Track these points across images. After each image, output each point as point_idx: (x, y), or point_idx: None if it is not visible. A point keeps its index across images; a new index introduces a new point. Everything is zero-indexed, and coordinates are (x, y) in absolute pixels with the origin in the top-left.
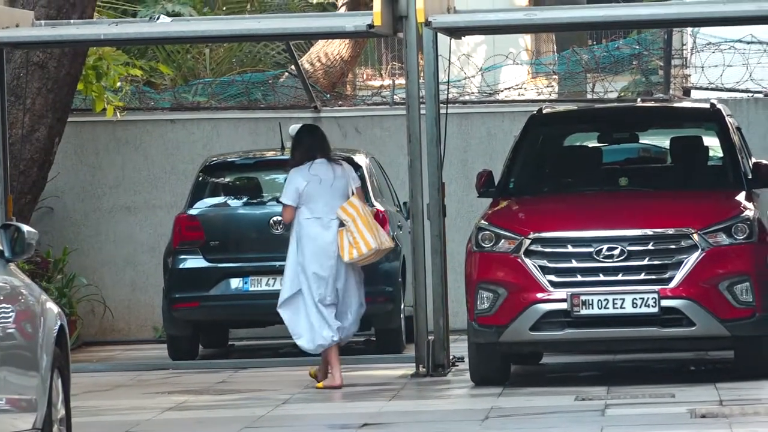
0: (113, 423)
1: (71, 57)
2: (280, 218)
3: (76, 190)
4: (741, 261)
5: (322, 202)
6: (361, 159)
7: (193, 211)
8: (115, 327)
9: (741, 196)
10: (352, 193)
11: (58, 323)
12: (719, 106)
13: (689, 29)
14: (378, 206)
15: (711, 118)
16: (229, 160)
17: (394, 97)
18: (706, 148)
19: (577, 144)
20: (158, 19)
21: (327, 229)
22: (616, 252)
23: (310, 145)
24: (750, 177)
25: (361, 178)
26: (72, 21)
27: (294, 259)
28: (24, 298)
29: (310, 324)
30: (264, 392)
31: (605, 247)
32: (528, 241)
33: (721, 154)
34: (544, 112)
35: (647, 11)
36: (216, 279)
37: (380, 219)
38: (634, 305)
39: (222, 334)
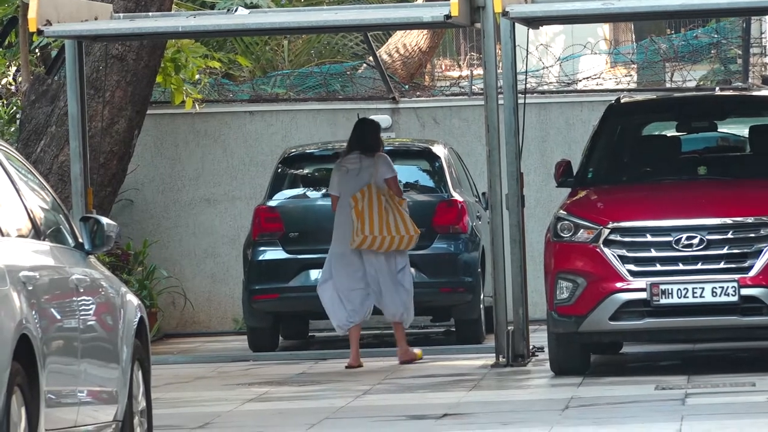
0: (194, 414)
1: (150, 49)
2: None
3: (155, 183)
4: None
5: (349, 191)
6: (439, 149)
7: (272, 203)
8: (195, 319)
9: None
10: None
11: (138, 315)
12: None
13: None
14: (457, 196)
15: None
16: (307, 151)
17: (473, 87)
18: None
19: (656, 133)
20: (236, 10)
21: (349, 217)
22: (695, 241)
23: (352, 138)
24: None
25: (440, 168)
26: (150, 14)
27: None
28: (104, 291)
29: (333, 306)
30: (344, 383)
31: (684, 236)
32: (607, 231)
33: None
34: (622, 101)
35: (726, 0)
36: (295, 270)
37: (458, 209)
38: (714, 294)
39: (302, 326)
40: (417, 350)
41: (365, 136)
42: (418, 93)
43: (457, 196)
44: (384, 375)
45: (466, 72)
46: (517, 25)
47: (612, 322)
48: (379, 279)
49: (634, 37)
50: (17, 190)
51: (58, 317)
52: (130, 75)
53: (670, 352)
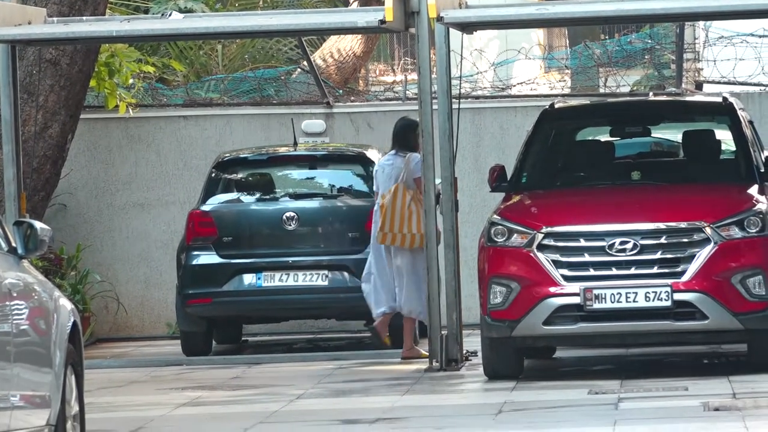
0: (127, 419)
1: (84, 54)
2: (292, 214)
3: (89, 187)
4: (754, 254)
5: (382, 189)
6: (373, 154)
7: (206, 207)
8: (128, 323)
9: (753, 190)
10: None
11: (72, 320)
12: (731, 99)
13: (701, 23)
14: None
15: (723, 112)
16: (241, 156)
17: (407, 92)
18: (719, 142)
19: (590, 138)
20: (170, 15)
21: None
22: (629, 246)
23: (392, 138)
24: (762, 170)
25: (373, 173)
26: (84, 18)
27: None
28: (37, 295)
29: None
30: (278, 387)
31: (618, 241)
32: (541, 236)
33: (733, 148)
34: (556, 106)
35: (660, 5)
36: (229, 275)
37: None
38: (647, 299)
39: (235, 330)
40: (422, 350)
41: (398, 134)
42: (352, 98)
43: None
44: (318, 379)
45: (400, 77)
46: (451, 30)
47: (545, 327)
48: (404, 274)
49: (568, 42)
50: None
51: None
52: (63, 79)
53: (603, 356)
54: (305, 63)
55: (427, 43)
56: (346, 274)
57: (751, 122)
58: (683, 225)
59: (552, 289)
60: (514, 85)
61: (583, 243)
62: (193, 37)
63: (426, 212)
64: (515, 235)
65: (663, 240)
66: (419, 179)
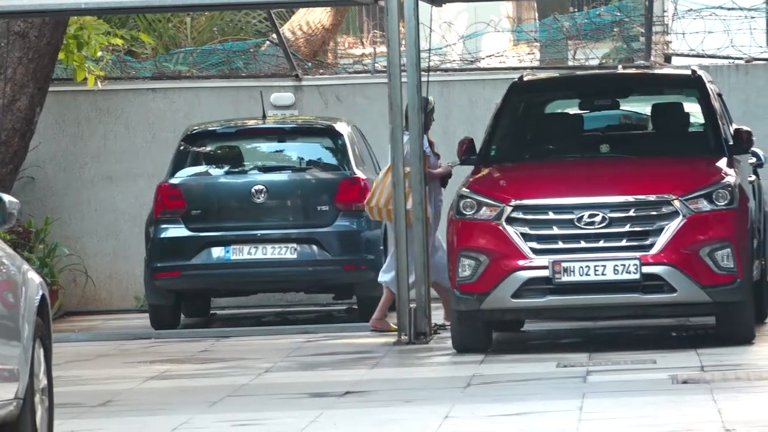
0: (95, 392)
1: (52, 26)
2: (261, 187)
3: (57, 160)
4: (722, 227)
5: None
6: (342, 127)
7: (174, 180)
8: (96, 296)
9: (722, 163)
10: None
11: (40, 293)
12: (700, 72)
13: None
14: (360, 174)
15: (692, 85)
16: (210, 129)
17: (376, 65)
18: (687, 115)
19: (558, 111)
20: None
21: None
22: (598, 219)
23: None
24: (731, 143)
25: (343, 146)
26: None
27: None
28: (5, 268)
29: None
30: (246, 361)
31: (586, 213)
32: (509, 209)
33: (702, 121)
34: (525, 79)
35: None
36: (198, 248)
37: (361, 187)
38: (616, 272)
39: (204, 303)
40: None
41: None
42: (321, 71)
43: (359, 174)
44: (286, 353)
45: (369, 50)
46: (420, 2)
47: (514, 300)
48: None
49: (537, 15)
50: None
51: None
52: (32, 52)
53: (571, 329)
54: (274, 36)
55: (396, 15)
56: (314, 247)
57: (719, 95)
58: (652, 198)
59: (521, 262)
60: (483, 58)
61: (551, 216)
62: (161, 9)
63: (394, 186)
64: (484, 208)
65: (632, 213)
66: (426, 155)
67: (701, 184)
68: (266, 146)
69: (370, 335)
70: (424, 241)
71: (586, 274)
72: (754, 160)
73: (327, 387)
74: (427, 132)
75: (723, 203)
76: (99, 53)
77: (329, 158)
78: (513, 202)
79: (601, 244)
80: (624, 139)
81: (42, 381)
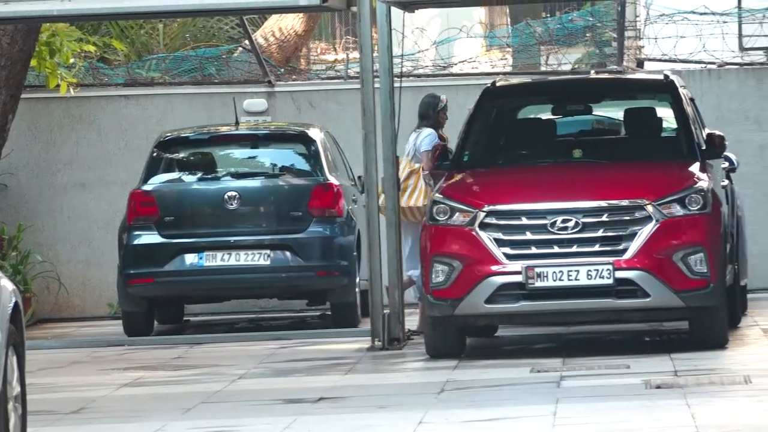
0: (69, 399)
1: (24, 33)
2: (234, 193)
3: (30, 167)
4: (695, 232)
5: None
6: (315, 133)
7: (147, 187)
8: (70, 304)
9: (695, 167)
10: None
11: (13, 300)
12: (672, 77)
13: (643, 0)
14: (332, 180)
15: (664, 90)
16: (183, 135)
17: (348, 71)
18: (660, 120)
19: (531, 116)
20: None
21: None
22: (571, 224)
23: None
24: (703, 148)
25: (315, 152)
26: None
27: None
28: None
29: None
30: (220, 367)
31: (560, 219)
32: (482, 214)
33: (674, 126)
34: (497, 84)
35: None
36: (171, 255)
37: (334, 193)
38: (589, 277)
39: (177, 310)
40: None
41: (419, 110)
42: (294, 77)
43: (332, 180)
44: (260, 359)
45: (342, 55)
46: (392, 8)
47: (487, 305)
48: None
49: (509, 20)
50: None
51: None
52: (4, 59)
53: (545, 334)
54: (247, 42)
55: (369, 21)
56: (288, 253)
57: (692, 100)
58: (625, 203)
59: (494, 268)
60: (456, 64)
61: (525, 221)
62: (134, 16)
63: (367, 191)
64: (457, 213)
65: (605, 218)
66: (426, 153)
67: (674, 189)
68: (239, 152)
69: (344, 341)
70: (397, 245)
71: (560, 280)
72: (726, 164)
73: (301, 393)
74: (441, 130)
75: (696, 208)
76: (71, 60)
77: (302, 164)
78: (486, 208)
79: (575, 249)
80: (597, 144)
81: (15, 388)
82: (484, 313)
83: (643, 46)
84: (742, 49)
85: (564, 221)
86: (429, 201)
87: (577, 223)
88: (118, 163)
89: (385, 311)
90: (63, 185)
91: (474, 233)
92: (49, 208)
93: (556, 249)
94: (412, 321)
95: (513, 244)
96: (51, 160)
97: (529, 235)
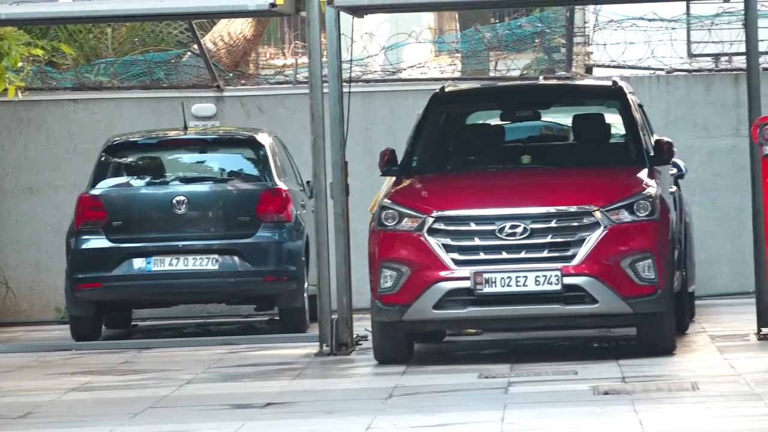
0: (16, 404)
1: None
2: (182, 198)
3: None
4: (643, 238)
5: None
6: (264, 138)
7: (95, 192)
8: (17, 308)
9: (643, 174)
10: None
11: None
12: (621, 83)
13: (591, 7)
14: (281, 185)
15: (613, 96)
16: (131, 140)
17: (297, 76)
18: (608, 126)
19: (480, 122)
20: None
21: None
22: (519, 230)
23: None
24: (652, 154)
25: (264, 157)
26: None
27: None
28: None
29: None
30: (167, 372)
31: (508, 224)
32: (431, 220)
33: (623, 132)
34: (446, 90)
35: None
36: (119, 259)
37: (283, 198)
38: (537, 283)
39: (125, 315)
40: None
41: None
42: (242, 81)
43: (281, 185)
44: (208, 364)
45: (290, 60)
46: (341, 13)
47: (436, 311)
48: None
49: (458, 26)
50: None
51: None
52: None
53: (493, 340)
54: (195, 46)
55: (318, 26)
56: (236, 258)
57: (640, 106)
58: (573, 209)
59: (442, 273)
60: (405, 69)
61: (473, 227)
62: (82, 20)
63: (316, 196)
64: (406, 219)
65: (553, 224)
66: None
67: (622, 195)
68: (188, 157)
69: (292, 346)
70: (346, 251)
71: (508, 285)
72: (675, 171)
73: (249, 398)
74: None
75: (644, 214)
76: (20, 64)
77: (251, 169)
78: (434, 213)
79: (523, 255)
80: (545, 150)
81: None
82: (432, 319)
83: (591, 53)
84: (690, 55)
85: (512, 227)
86: (377, 206)
87: (525, 229)
88: (67, 168)
89: (333, 316)
90: (11, 189)
91: (422, 239)
92: None
93: (504, 255)
94: (359, 326)
95: (461, 249)
96: None
97: (477, 241)
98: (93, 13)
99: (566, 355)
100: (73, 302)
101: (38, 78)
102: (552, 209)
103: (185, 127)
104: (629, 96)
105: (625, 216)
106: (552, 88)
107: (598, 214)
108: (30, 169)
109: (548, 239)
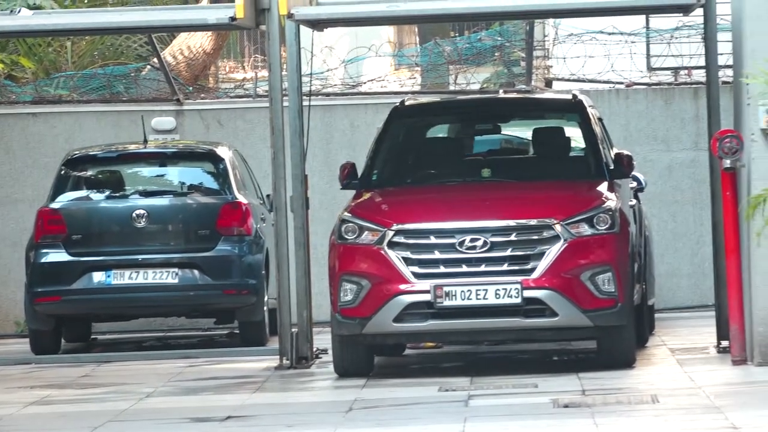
0: None
1: None
2: (142, 212)
3: None
4: (603, 251)
5: None
6: (223, 151)
7: (55, 205)
8: None
9: (603, 187)
10: None
11: None
12: (581, 97)
13: (551, 21)
14: (241, 199)
15: (573, 109)
16: (91, 153)
17: (257, 89)
18: (568, 139)
19: (440, 135)
20: (19, 12)
21: None
22: (479, 243)
23: None
24: (612, 167)
25: (224, 170)
26: None
27: None
28: None
29: None
30: (127, 386)
31: (468, 238)
32: (391, 233)
33: (583, 145)
34: (406, 104)
35: (510, 3)
36: (78, 273)
37: (243, 212)
38: (497, 296)
39: (85, 328)
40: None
41: None
42: (202, 95)
43: (241, 198)
44: (168, 378)
45: (250, 74)
46: (301, 27)
47: (396, 324)
48: None
49: (418, 39)
50: None
51: None
52: None
53: (453, 353)
54: (155, 60)
55: (278, 40)
56: (196, 271)
57: (600, 119)
58: (533, 222)
59: (402, 287)
60: (365, 83)
61: (433, 240)
62: (42, 33)
63: (276, 210)
64: (366, 232)
65: (513, 237)
66: None
67: (582, 208)
68: (147, 171)
69: (252, 360)
70: (306, 264)
71: (468, 299)
72: (634, 184)
73: (209, 412)
74: None
75: (604, 227)
76: None
77: (210, 183)
78: (394, 227)
79: (483, 268)
80: (505, 163)
81: None
82: (392, 332)
83: (551, 66)
84: (650, 69)
85: (472, 240)
86: (337, 219)
87: (485, 242)
88: (26, 181)
89: (293, 330)
90: None
91: (382, 252)
92: None
93: (464, 268)
94: (320, 339)
95: (421, 263)
96: None
97: (437, 254)
98: (53, 26)
99: (526, 368)
100: (32, 316)
101: None
102: (512, 222)
103: (145, 141)
104: (589, 109)
105: (585, 229)
106: (512, 101)
107: (558, 228)
108: None
109: (508, 252)
